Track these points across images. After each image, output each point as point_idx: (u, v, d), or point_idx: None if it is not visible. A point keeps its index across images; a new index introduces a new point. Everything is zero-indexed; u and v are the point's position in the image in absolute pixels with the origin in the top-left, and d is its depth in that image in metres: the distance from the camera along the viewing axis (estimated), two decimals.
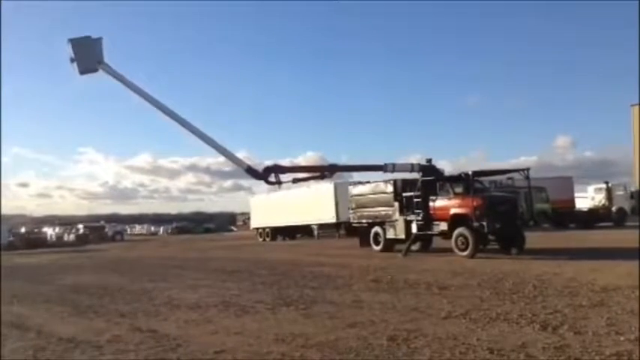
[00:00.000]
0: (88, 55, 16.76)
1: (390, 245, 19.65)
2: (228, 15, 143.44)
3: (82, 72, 16.85)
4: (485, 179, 21.56)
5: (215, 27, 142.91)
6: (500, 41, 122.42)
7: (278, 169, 17.93)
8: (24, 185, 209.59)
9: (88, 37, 17.07)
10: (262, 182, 17.95)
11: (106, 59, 17.01)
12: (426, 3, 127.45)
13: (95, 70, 16.89)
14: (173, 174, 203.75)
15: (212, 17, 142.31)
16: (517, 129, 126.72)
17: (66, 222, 76.41)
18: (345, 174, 27.28)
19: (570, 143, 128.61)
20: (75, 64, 16.75)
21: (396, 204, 19.20)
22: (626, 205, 34.35)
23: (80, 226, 62.43)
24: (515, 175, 20.97)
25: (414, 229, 18.24)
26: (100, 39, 17.13)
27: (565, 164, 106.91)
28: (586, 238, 22.02)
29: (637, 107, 48.04)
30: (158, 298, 10.68)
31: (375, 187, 20.78)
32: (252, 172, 17.55)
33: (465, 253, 16.00)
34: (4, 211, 65.64)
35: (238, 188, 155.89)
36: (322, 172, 19.36)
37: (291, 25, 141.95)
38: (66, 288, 13.88)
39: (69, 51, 16.76)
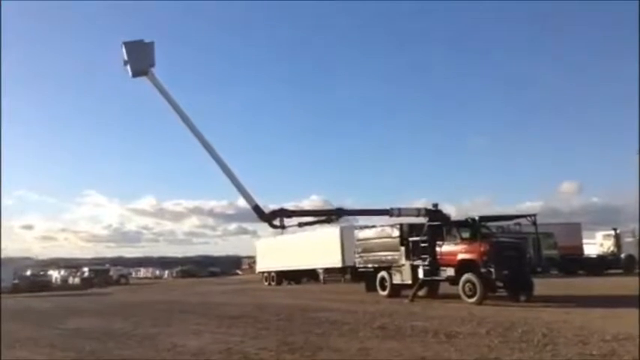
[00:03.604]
0: (140, 57, 17.12)
1: (396, 290, 19.43)
2: (229, 54, 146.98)
3: (135, 74, 17.25)
4: (492, 224, 21.46)
5: (217, 67, 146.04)
6: (506, 85, 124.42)
7: (284, 213, 17.92)
8: (28, 228, 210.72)
9: (141, 41, 17.47)
10: (267, 225, 17.93)
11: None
12: (428, 44, 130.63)
13: (146, 74, 17.26)
14: (177, 217, 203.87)
15: (213, 53, 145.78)
16: (523, 174, 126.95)
17: (71, 265, 76.21)
18: (351, 218, 27.21)
19: (576, 189, 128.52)
20: (128, 67, 17.17)
21: (403, 248, 19.10)
22: (635, 252, 33.93)
23: (85, 269, 62.11)
24: (523, 221, 20.87)
25: (420, 274, 18.08)
26: (152, 43, 17.48)
27: (571, 210, 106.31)
28: (595, 286, 21.68)
29: None
30: (161, 344, 10.54)
31: (381, 231, 20.71)
32: (258, 211, 17.48)
33: (472, 300, 15.80)
34: (10, 254, 65.72)
35: (243, 232, 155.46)
36: (329, 215, 19.29)
37: (294, 63, 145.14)
38: (69, 332, 13.74)
39: (122, 53, 17.20)
